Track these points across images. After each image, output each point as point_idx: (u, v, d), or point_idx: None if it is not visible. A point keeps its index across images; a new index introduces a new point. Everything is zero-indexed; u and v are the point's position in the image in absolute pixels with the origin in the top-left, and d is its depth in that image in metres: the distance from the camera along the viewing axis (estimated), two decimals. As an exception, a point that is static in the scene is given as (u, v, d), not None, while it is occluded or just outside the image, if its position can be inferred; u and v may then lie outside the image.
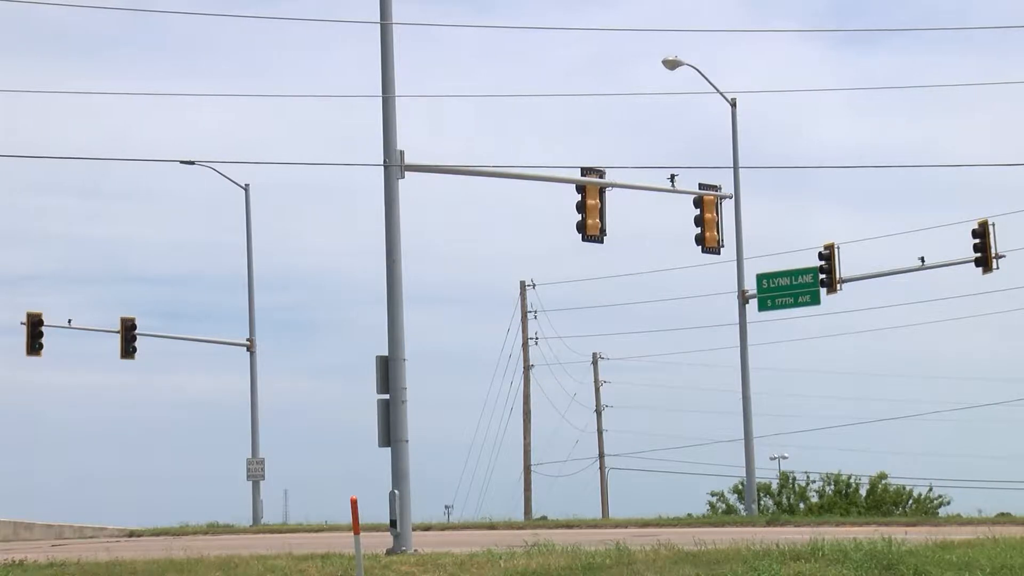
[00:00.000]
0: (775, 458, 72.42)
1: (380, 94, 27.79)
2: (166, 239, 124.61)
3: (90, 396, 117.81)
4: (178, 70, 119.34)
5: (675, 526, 34.36)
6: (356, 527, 20.45)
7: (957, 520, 36.42)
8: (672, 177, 36.79)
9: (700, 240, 39.20)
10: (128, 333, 49.86)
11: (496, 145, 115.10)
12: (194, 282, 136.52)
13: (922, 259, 40.99)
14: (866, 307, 57.27)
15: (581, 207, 33.49)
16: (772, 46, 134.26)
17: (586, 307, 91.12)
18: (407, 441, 26.92)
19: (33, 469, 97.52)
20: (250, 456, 50.56)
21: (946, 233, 41.96)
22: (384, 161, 27.71)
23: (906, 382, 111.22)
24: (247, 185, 51.39)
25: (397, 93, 27.89)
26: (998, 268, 39.49)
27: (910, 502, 53.97)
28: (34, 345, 48.38)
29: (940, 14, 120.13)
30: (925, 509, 52.22)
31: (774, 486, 55.37)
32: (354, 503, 20.30)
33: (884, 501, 53.75)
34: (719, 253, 39.96)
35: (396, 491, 26.53)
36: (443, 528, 38.60)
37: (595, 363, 70.04)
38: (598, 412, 69.61)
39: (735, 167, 42.40)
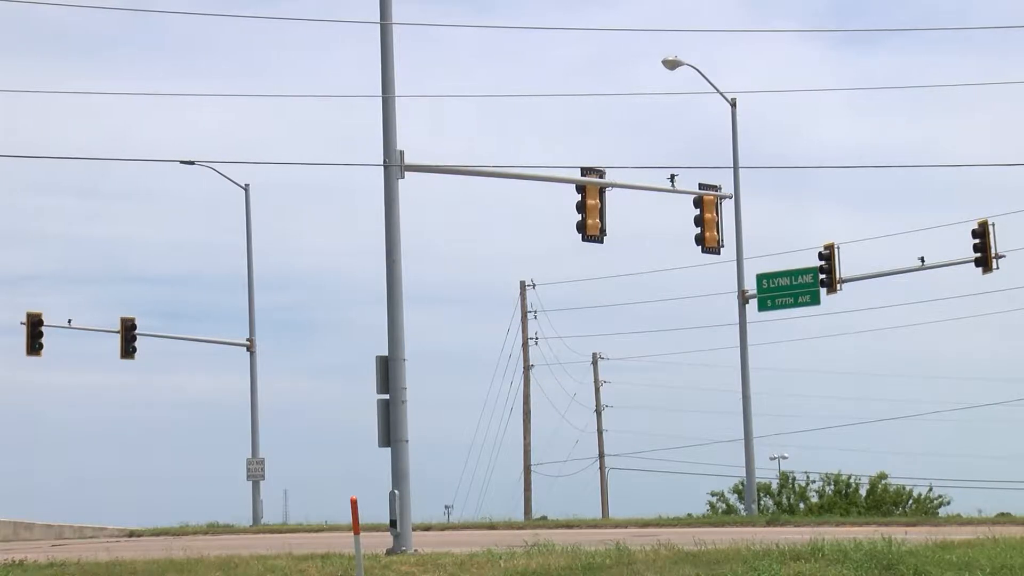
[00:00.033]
0: (775, 458, 72.48)
1: (380, 94, 27.80)
2: (166, 239, 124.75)
3: (90, 396, 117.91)
4: (177, 70, 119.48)
5: (675, 526, 34.36)
6: (356, 527, 20.45)
7: (957, 520, 36.42)
8: (672, 177, 36.80)
9: (700, 240, 39.20)
10: (128, 333, 49.87)
11: (496, 145, 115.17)
12: (194, 282, 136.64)
13: (922, 259, 41.00)
14: (866, 307, 57.22)
15: (581, 207, 33.49)
16: (772, 46, 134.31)
17: (586, 307, 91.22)
18: (407, 441, 26.92)
19: (33, 469, 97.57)
20: (250, 456, 50.57)
21: (946, 233, 42.02)
22: (384, 161, 27.72)
23: (906, 382, 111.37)
24: (247, 185, 51.43)
25: (397, 93, 27.91)
26: (998, 268, 39.50)
27: (910, 502, 53.97)
28: (34, 345, 48.40)
29: (940, 14, 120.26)
30: (925, 509, 52.22)
31: (774, 486, 55.38)
32: (354, 503, 20.30)
33: (884, 501, 53.75)
34: (719, 253, 39.99)
35: (396, 491, 26.54)
36: (443, 528, 38.60)
37: (595, 363, 70.05)
38: (598, 412, 69.63)
39: (735, 167, 42.42)
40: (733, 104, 43.14)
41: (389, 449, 26.86)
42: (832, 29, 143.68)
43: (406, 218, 27.85)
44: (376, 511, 28.06)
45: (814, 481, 55.33)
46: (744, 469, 43.16)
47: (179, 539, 37.03)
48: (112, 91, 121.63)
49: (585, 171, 33.63)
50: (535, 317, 63.97)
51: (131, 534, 42.85)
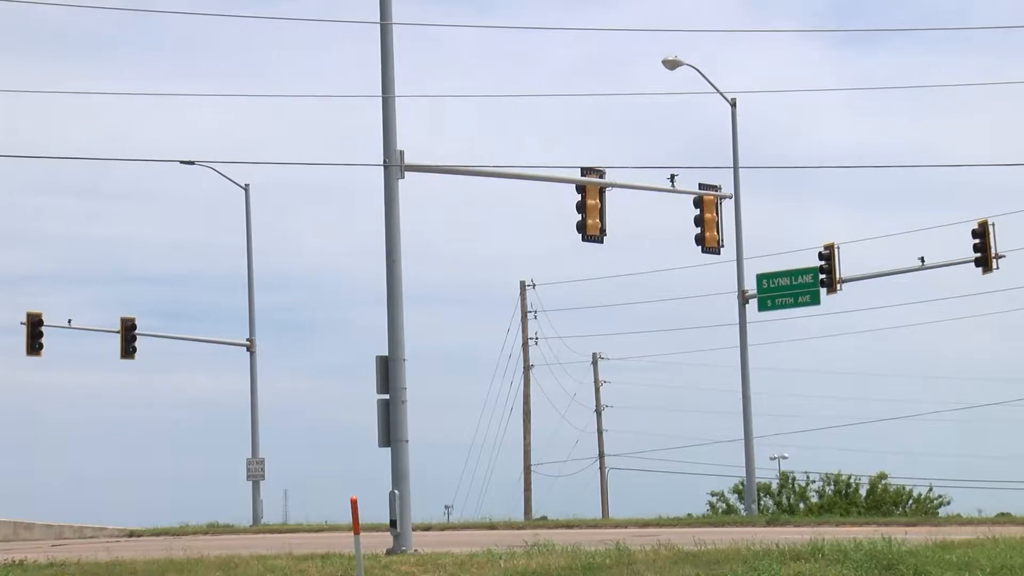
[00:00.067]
0: (775, 458, 72.46)
1: (380, 94, 27.80)
2: (166, 239, 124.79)
3: (90, 396, 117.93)
4: (177, 70, 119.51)
5: (675, 526, 34.36)
6: (356, 527, 20.45)
7: (957, 520, 36.41)
8: (672, 177, 36.80)
9: (700, 240, 39.20)
10: (128, 333, 49.87)
11: (496, 145, 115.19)
12: (194, 282, 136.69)
13: (922, 259, 41.00)
14: (866, 307, 57.22)
15: (581, 207, 33.49)
16: (772, 46, 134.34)
17: (586, 307, 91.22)
18: (407, 441, 26.92)
19: (33, 469, 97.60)
20: (250, 456, 50.56)
21: (946, 233, 42.02)
22: (384, 161, 27.72)
23: (906, 382, 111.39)
24: (247, 185, 51.41)
25: (397, 93, 27.91)
26: (998, 268, 39.50)
27: (910, 502, 53.96)
28: (34, 345, 48.39)
29: (940, 14, 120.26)
30: (925, 509, 52.21)
31: (774, 486, 55.37)
32: (354, 503, 20.30)
33: (884, 501, 53.74)
34: (719, 253, 39.99)
35: (396, 491, 26.53)
36: (443, 528, 38.60)
37: (595, 363, 70.05)
38: (598, 412, 69.62)
39: (735, 167, 42.42)
40: (733, 104, 43.14)
41: (389, 449, 26.86)
42: (832, 29, 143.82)
43: (406, 218, 27.89)
44: (376, 511, 28.11)
45: (814, 481, 55.40)
46: (744, 469, 43.17)
47: (179, 539, 37.03)
48: (112, 91, 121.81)
49: (585, 171, 33.63)
50: (535, 317, 64.04)
51: (131, 534, 42.86)
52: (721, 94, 43.23)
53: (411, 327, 28.25)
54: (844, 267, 41.59)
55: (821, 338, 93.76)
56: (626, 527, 34.13)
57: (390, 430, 26.85)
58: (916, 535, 22.12)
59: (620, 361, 71.36)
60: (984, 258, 39.16)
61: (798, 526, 32.63)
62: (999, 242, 39.21)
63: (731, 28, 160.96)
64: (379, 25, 27.90)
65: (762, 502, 51.26)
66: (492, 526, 38.09)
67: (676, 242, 50.56)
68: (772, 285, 42.19)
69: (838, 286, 41.58)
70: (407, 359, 27.33)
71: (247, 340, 51.19)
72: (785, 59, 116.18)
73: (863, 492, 54.45)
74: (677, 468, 70.95)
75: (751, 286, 42.58)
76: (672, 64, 42.37)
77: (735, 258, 42.29)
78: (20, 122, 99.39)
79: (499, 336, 64.40)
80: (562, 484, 66.06)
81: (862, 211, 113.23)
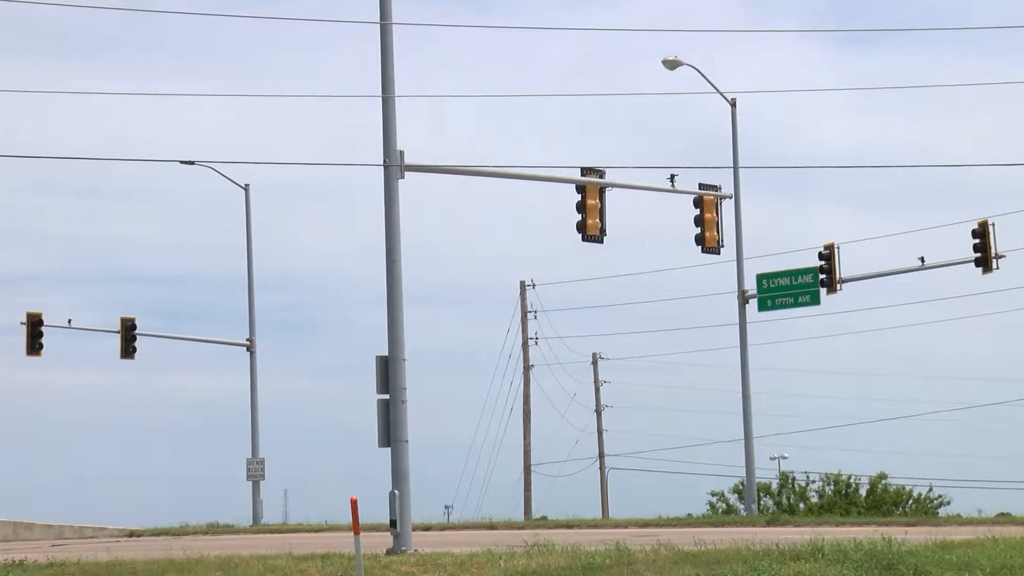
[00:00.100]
0: (775, 458, 72.45)
1: (380, 94, 27.80)
2: (165, 239, 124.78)
3: (90, 396, 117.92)
4: (177, 70, 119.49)
5: (675, 526, 34.36)
6: (356, 527, 20.45)
7: (957, 520, 36.42)
8: (672, 177, 36.80)
9: (700, 240, 39.20)
10: (128, 333, 49.87)
11: (496, 145, 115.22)
12: (194, 282, 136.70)
13: (922, 259, 41.00)
14: (866, 307, 57.19)
15: (581, 207, 33.49)
16: (772, 46, 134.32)
17: (586, 307, 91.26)
18: (407, 441, 26.92)
19: (33, 469, 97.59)
20: (250, 456, 50.56)
21: (946, 233, 42.02)
22: (384, 161, 27.72)
23: (906, 382, 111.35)
24: (247, 185, 51.42)
25: (397, 93, 27.91)
26: (998, 268, 39.50)
27: (910, 502, 53.96)
28: (34, 345, 48.40)
29: (940, 14, 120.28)
30: (925, 509, 52.21)
31: (774, 486, 55.37)
32: (354, 503, 20.30)
33: (884, 501, 53.74)
34: (719, 253, 39.99)
35: (396, 491, 26.53)
36: (443, 528, 38.60)
37: (595, 363, 70.04)
38: (598, 412, 69.62)
39: (735, 167, 42.42)
40: (733, 104, 43.14)
41: (389, 449, 26.86)
42: (832, 29, 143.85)
43: (406, 218, 27.89)
44: (376, 511, 28.11)
45: (814, 481, 55.40)
46: (744, 469, 43.17)
47: (179, 539, 37.03)
48: (112, 91, 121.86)
49: (585, 171, 33.63)
50: (535, 317, 64.04)
51: (131, 534, 42.85)
52: (721, 94, 43.24)
53: (411, 327, 28.29)
54: (844, 267, 41.64)
55: (821, 338, 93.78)
56: (626, 527, 34.13)
57: (390, 430, 26.85)
58: (916, 535, 22.12)
59: (620, 361, 71.45)
60: (984, 258, 39.16)
61: (798, 526, 32.64)
62: (999, 242, 39.25)
63: (731, 28, 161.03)
64: (379, 25, 27.90)
65: (762, 502, 51.26)
66: (492, 526, 38.10)
67: (676, 242, 50.60)
68: (772, 285, 42.20)
69: (838, 286, 41.58)
70: (407, 359, 27.35)
71: (247, 340, 51.20)
72: (785, 59, 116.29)
73: (863, 492, 54.45)
74: (677, 468, 71.00)
75: (751, 286, 42.59)
76: (672, 64, 42.38)
77: (735, 258, 42.31)
78: (20, 122, 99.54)
79: (499, 336, 64.49)
80: (562, 484, 66.14)
81: (862, 211, 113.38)
